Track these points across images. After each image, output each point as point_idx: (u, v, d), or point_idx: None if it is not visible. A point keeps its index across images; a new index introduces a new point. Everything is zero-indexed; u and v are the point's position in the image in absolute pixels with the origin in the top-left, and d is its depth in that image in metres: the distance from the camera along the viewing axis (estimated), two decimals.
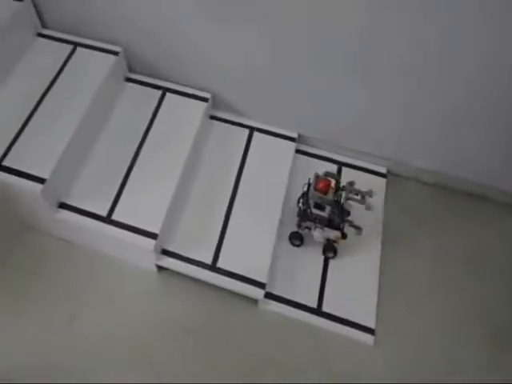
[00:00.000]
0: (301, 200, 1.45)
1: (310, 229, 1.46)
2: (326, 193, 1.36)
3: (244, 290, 1.39)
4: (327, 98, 1.50)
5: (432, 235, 1.58)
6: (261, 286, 1.39)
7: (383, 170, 1.69)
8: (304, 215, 1.43)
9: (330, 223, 1.41)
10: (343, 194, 1.38)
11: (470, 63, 1.23)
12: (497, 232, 1.60)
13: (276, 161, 1.61)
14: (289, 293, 1.44)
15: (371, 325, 1.41)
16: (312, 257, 1.50)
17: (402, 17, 1.18)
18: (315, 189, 1.36)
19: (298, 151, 1.68)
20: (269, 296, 1.42)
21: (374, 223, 1.57)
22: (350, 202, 1.39)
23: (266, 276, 1.40)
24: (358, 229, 1.46)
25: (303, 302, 1.43)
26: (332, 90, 1.46)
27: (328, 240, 1.47)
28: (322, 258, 1.50)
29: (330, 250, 1.48)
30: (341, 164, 1.69)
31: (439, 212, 1.63)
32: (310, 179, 1.41)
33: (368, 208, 1.36)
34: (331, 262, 1.50)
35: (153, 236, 1.35)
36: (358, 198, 1.40)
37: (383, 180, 1.68)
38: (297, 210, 1.49)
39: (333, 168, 1.68)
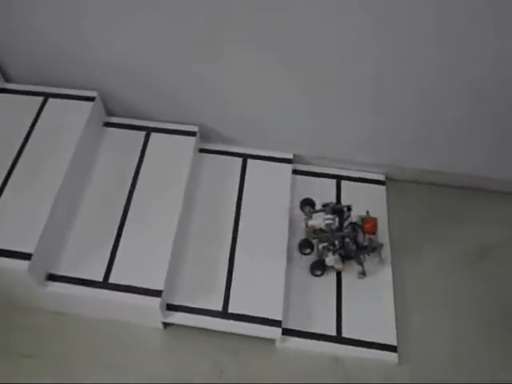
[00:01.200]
0: (348, 226, 1.32)
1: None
2: (373, 234, 1.31)
3: (260, 332, 1.19)
4: (320, 117, 1.31)
5: (439, 237, 1.41)
6: (277, 324, 1.19)
7: (381, 178, 1.50)
8: (332, 234, 1.26)
9: (347, 254, 1.29)
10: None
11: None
12: (503, 220, 1.44)
13: (275, 186, 1.40)
14: (305, 324, 1.25)
15: (393, 342, 1.24)
16: (324, 282, 1.30)
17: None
18: (363, 230, 1.30)
19: (294, 171, 1.47)
20: (285, 332, 1.23)
21: (380, 234, 1.37)
22: None
23: (281, 312, 1.20)
24: (363, 274, 1.31)
25: (322, 331, 1.24)
26: (322, 109, 1.27)
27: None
28: (335, 282, 1.31)
29: (317, 268, 1.31)
30: (339, 178, 1.49)
31: (442, 211, 1.46)
32: (351, 210, 1.34)
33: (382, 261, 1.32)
34: (344, 285, 1.30)
35: (157, 293, 1.14)
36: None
37: (382, 187, 1.49)
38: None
39: (331, 183, 1.48)
